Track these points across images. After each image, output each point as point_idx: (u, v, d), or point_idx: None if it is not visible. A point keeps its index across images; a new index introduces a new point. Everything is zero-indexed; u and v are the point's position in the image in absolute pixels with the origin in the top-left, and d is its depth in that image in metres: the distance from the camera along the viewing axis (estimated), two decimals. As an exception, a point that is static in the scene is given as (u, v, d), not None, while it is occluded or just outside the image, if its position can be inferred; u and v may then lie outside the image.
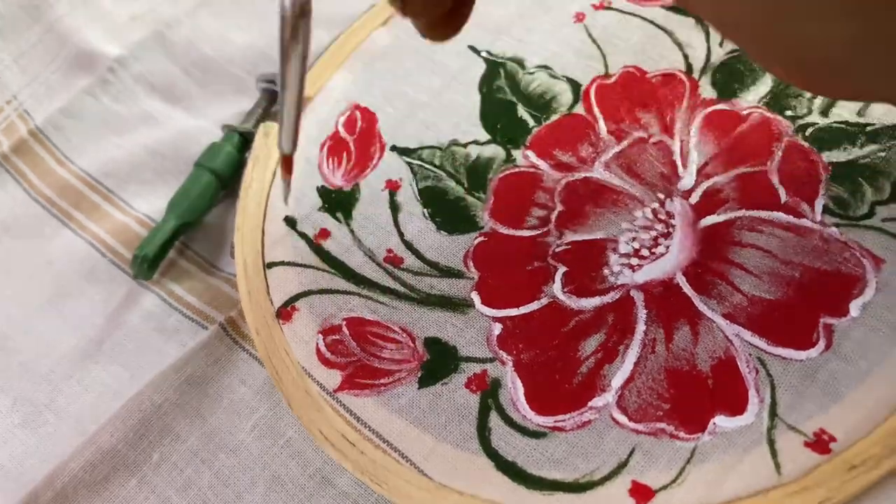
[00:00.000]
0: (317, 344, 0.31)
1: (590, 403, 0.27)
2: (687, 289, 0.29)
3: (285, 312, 0.31)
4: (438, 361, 0.29)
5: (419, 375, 0.29)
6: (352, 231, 0.33)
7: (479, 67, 0.37)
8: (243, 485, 0.30)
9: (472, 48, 0.37)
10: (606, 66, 0.35)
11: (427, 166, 0.34)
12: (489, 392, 0.28)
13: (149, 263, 0.34)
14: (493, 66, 0.36)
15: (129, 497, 0.30)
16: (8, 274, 0.38)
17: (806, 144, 0.31)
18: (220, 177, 0.37)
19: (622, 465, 0.26)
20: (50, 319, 0.36)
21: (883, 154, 0.30)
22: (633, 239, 0.30)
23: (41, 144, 0.42)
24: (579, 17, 0.37)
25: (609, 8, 0.37)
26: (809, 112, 0.32)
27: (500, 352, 0.29)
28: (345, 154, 0.36)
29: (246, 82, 0.42)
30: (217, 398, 0.32)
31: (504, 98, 0.35)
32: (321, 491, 0.30)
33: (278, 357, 0.31)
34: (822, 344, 0.27)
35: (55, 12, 0.45)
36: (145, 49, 0.44)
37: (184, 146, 0.40)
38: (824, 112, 0.32)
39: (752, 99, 0.33)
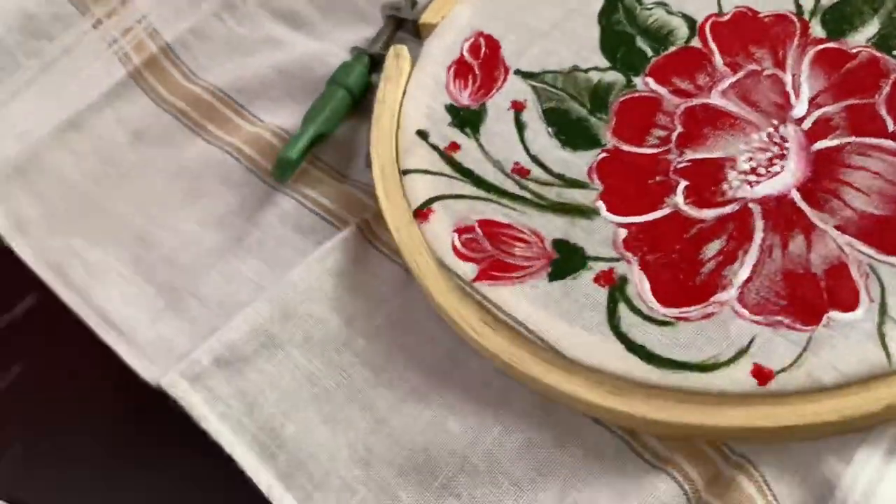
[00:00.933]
0: (452, 241, 0.33)
1: (712, 298, 0.30)
2: (801, 203, 0.31)
3: (422, 213, 0.34)
4: (567, 259, 0.32)
5: (549, 271, 0.32)
6: (480, 145, 0.36)
7: (598, 2, 0.39)
8: (380, 364, 0.33)
9: (591, -16, 0.40)
10: (720, 6, 0.38)
11: (550, 89, 0.37)
12: (617, 286, 0.31)
13: (292, 165, 0.37)
14: (612, 2, 0.39)
15: (277, 369, 0.34)
16: (144, 177, 0.42)
17: (913, 81, 0.33)
18: (352, 93, 0.39)
19: (743, 351, 0.29)
20: (188, 218, 0.39)
21: None
22: (750, 159, 0.33)
23: (170, 61, 0.45)
24: (694, -40, 0.39)
25: (722, -48, 0.39)
26: (916, 52, 0.34)
27: (626, 253, 0.32)
28: (470, 76, 0.38)
29: (367, 12, 0.44)
30: (354, 289, 0.35)
31: (623, 30, 0.38)
32: (453, 371, 0.33)
33: (418, 251, 0.33)
34: (928, 253, 0.29)
35: (182, -62, 0.48)
36: (268, -22, 0.46)
37: (311, 67, 0.42)
38: (930, 53, 0.34)
39: (860, 39, 0.35)
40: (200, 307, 0.37)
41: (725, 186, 0.33)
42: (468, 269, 0.32)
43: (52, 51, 0.46)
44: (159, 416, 0.34)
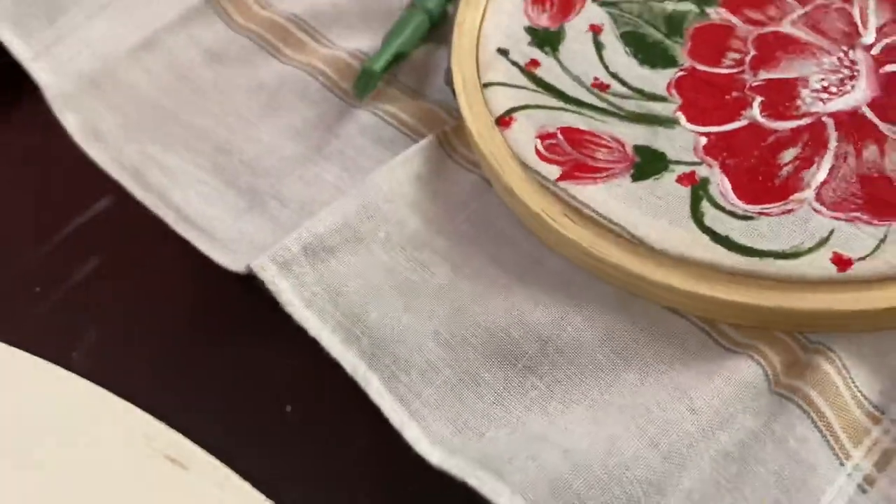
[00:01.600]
0: (535, 146, 0.35)
1: (792, 197, 0.32)
2: (872, 117, 0.33)
3: (504, 121, 0.36)
4: (649, 162, 0.34)
5: (632, 172, 0.34)
6: (560, 62, 0.38)
7: (671, -58, 0.41)
8: (460, 261, 0.34)
9: (663, -73, 0.42)
10: (788, -53, 0.40)
11: (627, 14, 0.39)
12: (699, 186, 0.33)
13: (376, 76, 0.39)
14: (684, -58, 0.41)
15: (361, 262, 0.35)
16: (222, 93, 0.43)
17: (979, 13, 0.35)
18: (432, 17, 0.41)
19: (824, 241, 0.30)
20: (267, 128, 0.41)
21: None
22: (822, 79, 0.35)
23: (244, -12, 0.47)
24: None
25: None
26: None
27: (707, 158, 0.33)
28: (548, 2, 0.40)
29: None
30: (433, 194, 0.37)
31: (696, -36, 0.40)
32: (535, 269, 0.34)
33: (501, 154, 0.35)
34: None
35: None
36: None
37: (386, -3, 0.44)
38: None
39: (923, -21, 0.37)
40: (282, 208, 0.38)
41: (799, 102, 0.34)
42: (552, 170, 0.34)
43: (130, -27, 0.48)
44: (240, 310, 0.36)
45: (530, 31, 0.39)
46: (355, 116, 0.40)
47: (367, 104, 0.40)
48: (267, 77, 0.43)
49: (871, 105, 0.33)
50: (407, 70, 0.42)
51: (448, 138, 0.38)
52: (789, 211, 0.31)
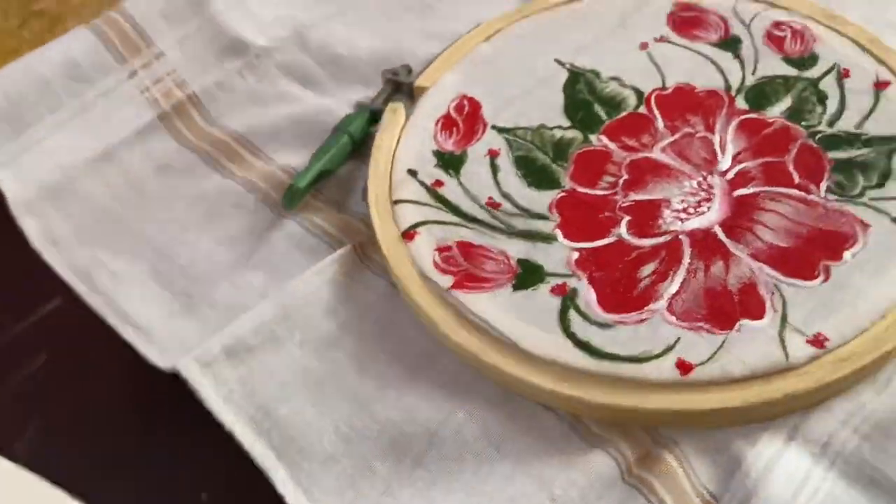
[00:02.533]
0: (433, 258, 0.40)
1: (646, 307, 0.36)
2: (722, 236, 0.38)
3: (409, 234, 0.41)
4: (529, 274, 0.38)
5: (513, 283, 0.38)
6: (460, 183, 0.43)
7: (563, 75, 0.47)
8: (365, 361, 0.39)
9: (558, 61, 0.48)
10: (664, 82, 0.45)
11: (521, 141, 0.44)
12: (569, 296, 0.37)
13: (300, 193, 0.44)
14: (575, 75, 0.47)
15: (276, 361, 0.39)
16: (167, 202, 0.48)
17: (816, 145, 0.41)
18: (353, 139, 0.46)
19: (670, 348, 0.35)
20: (205, 236, 0.45)
21: (874, 155, 0.40)
22: (683, 201, 0.40)
23: (195, 108, 0.52)
24: (644, 46, 0.47)
25: (667, 41, 0.48)
26: (819, 123, 0.42)
27: (578, 271, 0.38)
28: (454, 129, 0.45)
29: (368, 76, 0.52)
30: (346, 298, 0.41)
31: (583, 98, 0.45)
32: (428, 367, 0.38)
33: (405, 265, 0.40)
34: (822, 277, 0.36)
35: (212, 8, 0.55)
36: (284, 43, 0.54)
37: (318, 119, 0.49)
38: (830, 124, 0.42)
39: (776, 112, 0.43)
40: (211, 310, 0.42)
41: (661, 221, 0.39)
42: (445, 280, 0.39)
43: (92, 94, 0.53)
44: (169, 405, 0.39)
45: (437, 154, 0.44)
46: (284, 227, 0.45)
47: (295, 215, 0.45)
48: (209, 189, 0.48)
49: (722, 225, 0.39)
50: (332, 185, 0.47)
51: (363, 248, 0.43)
52: (643, 320, 0.36)
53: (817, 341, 0.34)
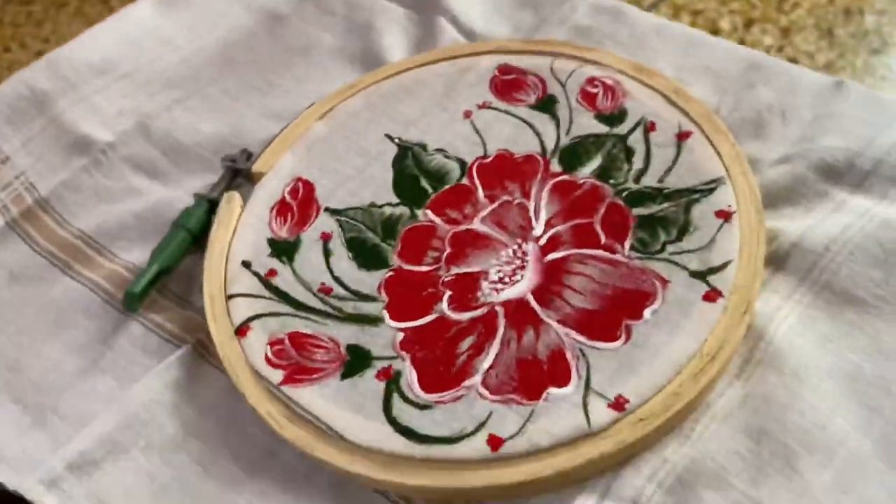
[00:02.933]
0: (265, 352, 0.41)
1: (462, 384, 0.38)
2: (534, 304, 0.40)
3: (242, 330, 0.42)
4: (356, 361, 0.40)
5: (342, 371, 0.40)
6: (293, 270, 0.44)
7: (393, 150, 0.49)
8: (208, 461, 0.40)
9: (388, 136, 0.49)
10: (486, 150, 0.47)
11: (352, 221, 0.46)
12: (392, 380, 0.39)
13: (137, 298, 0.45)
14: (404, 150, 0.48)
15: (122, 471, 0.40)
16: (18, 312, 0.48)
17: (622, 203, 0.43)
18: (192, 233, 0.47)
19: (482, 424, 0.37)
20: (54, 345, 0.46)
21: (673, 209, 0.42)
22: (499, 271, 0.42)
23: (45, 211, 0.52)
24: (467, 114, 0.49)
25: (490, 107, 0.50)
26: (626, 180, 0.44)
27: (402, 352, 0.40)
28: (289, 214, 0.47)
29: (211, 162, 0.53)
30: (190, 397, 0.42)
31: (411, 173, 0.47)
32: (268, 461, 0.40)
33: (238, 363, 0.41)
34: (623, 338, 0.38)
35: (57, 107, 0.56)
36: (130, 136, 0.55)
37: (162, 212, 0.50)
38: (636, 180, 0.44)
39: (586, 172, 0.45)
40: (62, 422, 0.43)
41: (479, 294, 0.41)
42: (276, 375, 0.40)
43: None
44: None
45: (271, 242, 0.46)
46: (129, 328, 0.46)
47: (140, 315, 0.46)
48: (57, 294, 0.48)
49: (535, 292, 0.41)
50: (177, 279, 0.48)
51: (204, 345, 0.44)
52: (459, 397, 0.38)
53: (618, 404, 0.36)
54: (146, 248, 0.49)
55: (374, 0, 0.61)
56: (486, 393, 0.38)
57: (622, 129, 0.47)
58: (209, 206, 0.49)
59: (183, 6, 0.63)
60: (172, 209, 0.50)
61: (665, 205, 0.43)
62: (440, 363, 0.39)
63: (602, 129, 0.47)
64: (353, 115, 0.51)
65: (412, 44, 0.58)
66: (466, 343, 0.39)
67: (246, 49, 0.60)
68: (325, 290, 0.43)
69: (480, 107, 0.50)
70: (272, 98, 0.56)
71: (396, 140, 0.49)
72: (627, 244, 0.42)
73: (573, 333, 0.39)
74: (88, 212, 0.52)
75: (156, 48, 0.60)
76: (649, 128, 0.46)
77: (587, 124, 0.47)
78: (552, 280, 0.41)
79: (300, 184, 0.48)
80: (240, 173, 0.51)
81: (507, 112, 0.49)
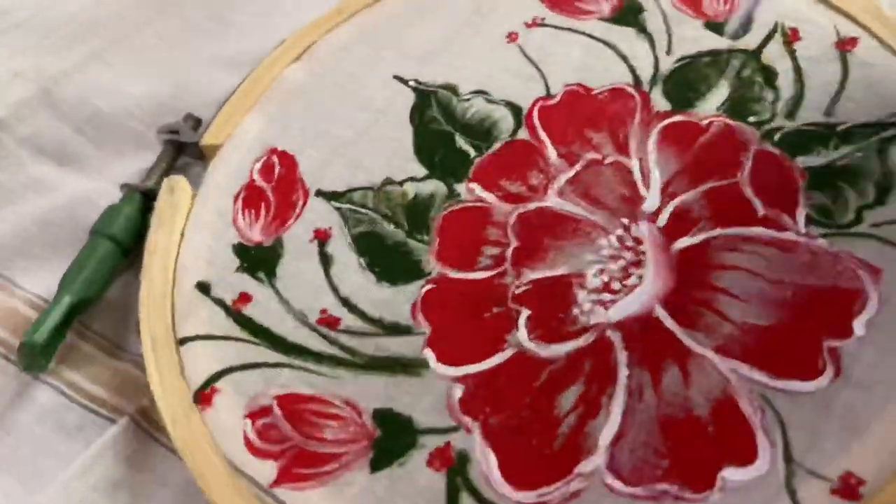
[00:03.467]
0: (244, 431, 0.26)
1: (577, 469, 0.23)
2: (669, 322, 0.25)
3: (205, 396, 0.27)
4: (392, 437, 0.25)
5: (370, 457, 0.25)
6: (277, 292, 0.29)
7: (409, 98, 0.33)
8: None
9: (399, 78, 0.34)
10: (547, 87, 0.32)
11: (360, 210, 0.30)
12: (456, 469, 0.24)
13: (41, 351, 0.29)
14: (424, 96, 0.33)
15: None
16: None
17: (776, 151, 0.28)
18: (120, 244, 0.32)
19: (624, 541, 0.22)
20: (-79, 430, 0.30)
21: (860, 154, 0.27)
22: (601, 272, 0.27)
23: (-90, 223, 0.37)
24: (512, 37, 0.34)
25: (543, 25, 0.34)
26: (774, 116, 0.29)
27: (465, 418, 0.25)
28: (263, 205, 0.31)
29: (146, 136, 0.37)
30: (134, 500, 0.27)
31: (439, 129, 0.32)
32: None
33: (201, 451, 0.25)
34: (830, 371, 0.23)
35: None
36: (30, 108, 0.39)
37: (79, 213, 0.35)
38: (790, 115, 0.29)
39: (709, 108, 0.30)
40: (-67, 556, 0.28)
41: (576, 311, 0.26)
42: (265, 470, 0.25)
43: None
44: None
45: (240, 250, 0.30)
46: (34, 397, 0.30)
47: (50, 374, 0.31)
48: (-74, 348, 0.33)
49: (667, 303, 0.25)
50: (101, 315, 0.32)
51: (149, 416, 0.29)
52: (575, 494, 0.23)
53: (847, 488, 0.21)
54: (55, 270, 0.33)
55: None
56: (618, 484, 0.23)
57: (749, 41, 0.31)
58: (144, 200, 0.33)
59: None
60: (93, 209, 0.34)
61: (845, 149, 0.28)
62: (531, 434, 0.24)
63: (720, 42, 0.32)
64: (342, 52, 0.35)
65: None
66: (570, 397, 0.24)
67: (184, -23, 0.43)
68: (330, 322, 0.28)
69: (530, 25, 0.34)
70: (225, 41, 0.41)
71: (412, 82, 0.33)
72: (801, 215, 0.26)
73: (745, 368, 0.24)
74: (-27, 220, 0.36)
75: (60, -15, 0.44)
76: (791, 37, 0.31)
77: (695, 37, 0.32)
78: (692, 282, 0.26)
79: (275, 157, 0.33)
80: (186, 149, 0.35)
81: (570, 29, 0.34)
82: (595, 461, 0.23)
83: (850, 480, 0.21)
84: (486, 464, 0.24)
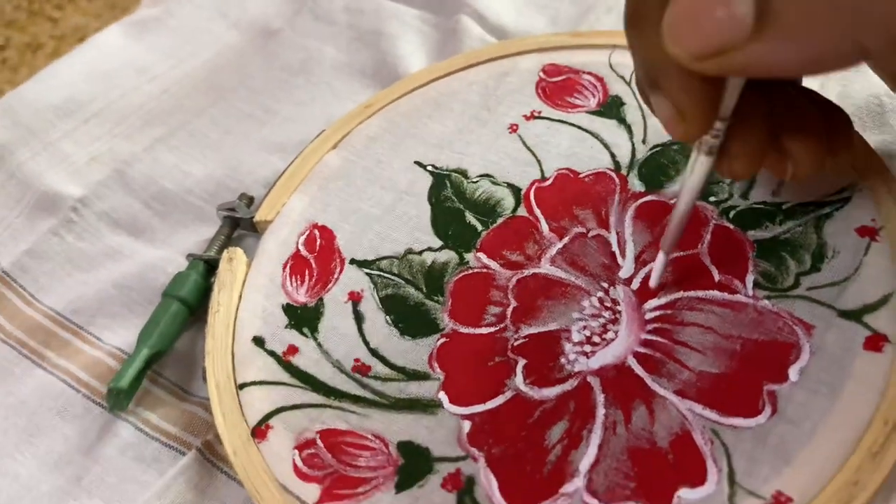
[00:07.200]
0: (293, 460, 0.31)
1: (561, 490, 0.28)
2: (639, 370, 0.31)
3: (260, 431, 0.32)
4: (413, 464, 0.30)
5: (396, 480, 0.30)
6: (319, 345, 0.35)
7: (427, 180, 0.39)
8: None
9: (419, 163, 0.40)
10: (542, 171, 0.38)
11: (386, 275, 0.36)
12: (465, 490, 0.29)
13: (124, 394, 0.35)
14: (440, 178, 0.39)
15: None
16: (-19, 420, 0.39)
17: (731, 226, 0.34)
18: (188, 304, 0.38)
19: (597, 547, 0.27)
20: (26, 460, 0.37)
21: (800, 229, 0.33)
22: (585, 327, 0.32)
23: (8, 287, 0.43)
24: (513, 128, 0.40)
25: (539, 118, 0.40)
26: (731, 196, 0.35)
27: (472, 448, 0.30)
28: (307, 271, 0.37)
29: (205, 210, 0.44)
30: (200, 523, 0.33)
31: (452, 206, 0.38)
32: None
33: (257, 476, 0.31)
34: (768, 410, 0.28)
35: (16, 159, 0.47)
36: (106, 187, 0.46)
37: (150, 277, 0.41)
38: (744, 195, 0.35)
39: (677, 189, 0.36)
40: (35, 566, 0.34)
41: (563, 361, 0.32)
42: (310, 492, 0.30)
43: None
44: None
45: (289, 310, 0.36)
46: (117, 432, 0.36)
47: (130, 413, 0.37)
48: (28, 392, 0.39)
49: (637, 354, 0.31)
50: (172, 364, 0.38)
51: (213, 448, 0.34)
52: (560, 510, 0.28)
53: (778, 503, 0.27)
54: (134, 325, 0.39)
55: (379, 3, 0.52)
56: (594, 502, 0.28)
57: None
58: (207, 268, 0.40)
59: (158, 29, 0.54)
60: (162, 274, 0.41)
61: (788, 224, 0.33)
62: (525, 461, 0.29)
63: (687, 132, 0.38)
64: (372, 141, 0.42)
65: (432, 50, 0.49)
66: (557, 431, 0.30)
67: (235, 72, 0.51)
68: (362, 369, 0.34)
69: (528, 117, 0.40)
70: (272, 127, 0.47)
71: (429, 167, 0.40)
72: (749, 280, 0.32)
73: (699, 408, 0.29)
74: (60, 284, 0.43)
75: (129, 79, 0.51)
76: (747, 126, 0.37)
77: (667, 128, 0.38)
78: (658, 335, 0.31)
79: (316, 231, 0.39)
80: (241, 224, 0.41)
81: (562, 121, 0.40)
82: (576, 483, 0.28)
83: (781, 498, 0.27)
84: (489, 486, 0.29)
